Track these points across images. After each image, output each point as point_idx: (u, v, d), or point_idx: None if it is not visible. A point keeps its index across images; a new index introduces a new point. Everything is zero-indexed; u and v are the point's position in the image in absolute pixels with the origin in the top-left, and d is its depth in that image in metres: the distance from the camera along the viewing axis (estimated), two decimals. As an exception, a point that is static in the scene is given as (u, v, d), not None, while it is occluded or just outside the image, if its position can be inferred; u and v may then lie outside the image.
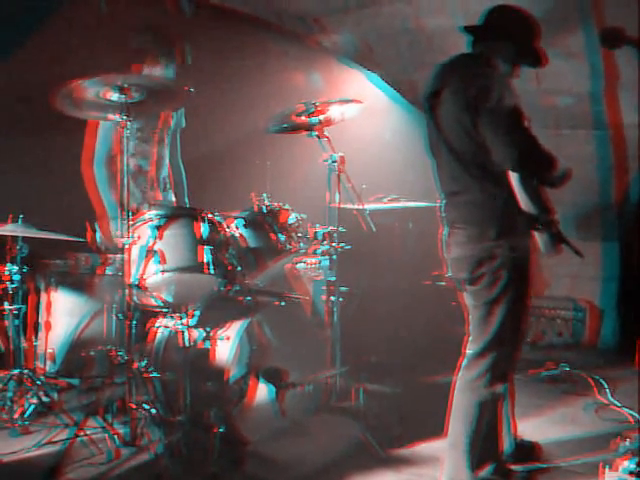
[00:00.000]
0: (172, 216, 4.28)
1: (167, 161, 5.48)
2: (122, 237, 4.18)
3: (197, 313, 4.31)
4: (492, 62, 3.56)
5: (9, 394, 4.49)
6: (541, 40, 3.67)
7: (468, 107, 3.39)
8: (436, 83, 3.59)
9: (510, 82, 3.52)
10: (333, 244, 4.96)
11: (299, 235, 4.84)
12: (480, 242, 3.49)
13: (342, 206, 5.01)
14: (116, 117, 4.34)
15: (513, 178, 3.38)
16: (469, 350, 3.62)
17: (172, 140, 5.53)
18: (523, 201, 3.39)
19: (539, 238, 3.45)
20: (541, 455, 4.00)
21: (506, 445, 3.80)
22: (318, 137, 4.97)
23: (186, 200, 5.58)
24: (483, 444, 3.55)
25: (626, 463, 3.64)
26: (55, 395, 4.62)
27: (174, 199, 5.50)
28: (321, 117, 4.97)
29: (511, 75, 3.65)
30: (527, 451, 3.98)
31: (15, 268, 4.58)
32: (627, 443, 3.92)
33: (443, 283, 6.15)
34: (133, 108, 4.30)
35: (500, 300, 3.48)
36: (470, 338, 3.63)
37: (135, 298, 4.28)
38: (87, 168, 5.09)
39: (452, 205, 3.64)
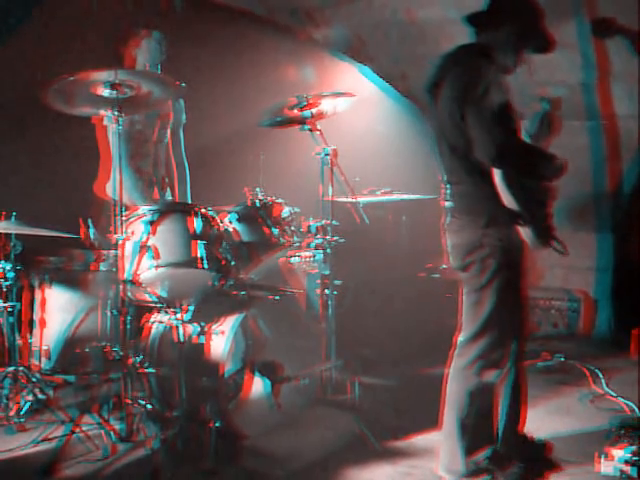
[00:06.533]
0: (165, 211, 4.28)
1: (164, 159, 5.48)
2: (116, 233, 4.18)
3: (191, 308, 4.30)
4: (492, 53, 3.55)
5: (4, 392, 4.48)
6: (545, 24, 3.64)
7: (457, 100, 3.41)
8: (437, 74, 3.60)
9: (502, 77, 3.50)
10: (327, 237, 4.97)
11: (293, 229, 4.85)
12: (471, 230, 3.54)
13: (335, 199, 5.02)
14: (108, 113, 4.33)
15: (495, 173, 3.40)
16: (460, 338, 3.65)
17: (174, 137, 5.53)
18: (504, 197, 3.41)
19: (523, 232, 3.46)
20: (551, 453, 3.90)
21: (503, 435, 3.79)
22: (311, 130, 4.98)
23: (189, 198, 5.58)
24: (477, 432, 3.57)
25: (622, 452, 3.66)
26: (51, 392, 4.61)
27: (171, 198, 5.51)
28: (313, 110, 4.97)
29: (516, 63, 3.63)
30: (539, 450, 3.90)
31: (9, 265, 4.57)
32: (623, 432, 3.94)
33: (437, 275, 6.16)
34: (125, 104, 4.28)
35: (489, 288, 3.51)
36: (463, 326, 3.65)
37: (129, 294, 4.28)
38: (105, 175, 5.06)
39: (451, 195, 3.69)
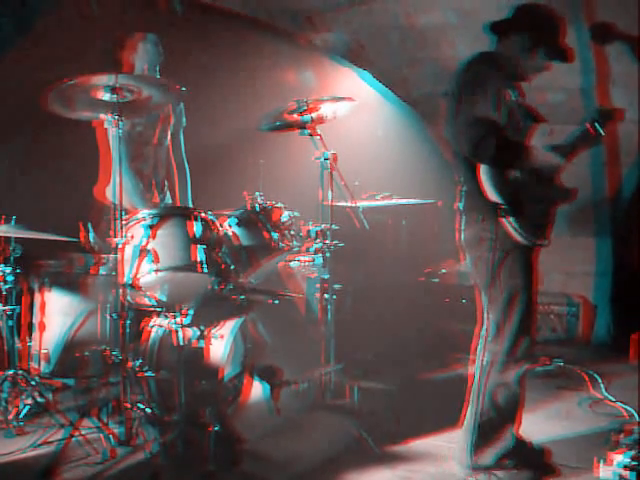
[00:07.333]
0: (165, 215, 4.28)
1: (165, 162, 5.49)
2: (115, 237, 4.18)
3: (191, 312, 4.30)
4: (501, 61, 3.63)
5: (4, 395, 4.47)
6: (565, 33, 3.72)
7: (459, 104, 3.49)
8: (451, 82, 3.65)
9: (508, 83, 3.62)
10: (326, 242, 4.97)
11: (292, 233, 4.85)
12: (473, 226, 3.65)
13: (335, 204, 5.02)
14: (108, 117, 4.33)
15: (481, 169, 3.50)
16: (488, 337, 3.72)
17: (174, 139, 5.54)
18: (487, 190, 3.50)
19: (507, 225, 3.50)
20: (550, 458, 3.91)
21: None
22: (310, 135, 4.97)
23: (189, 200, 5.58)
24: (491, 429, 3.65)
25: (621, 457, 3.66)
26: (50, 395, 4.61)
27: (171, 201, 5.51)
28: (313, 115, 4.97)
29: (535, 71, 3.75)
30: (538, 456, 3.91)
31: (9, 269, 4.57)
32: (621, 437, 3.94)
33: (437, 280, 6.16)
34: (125, 108, 4.29)
35: (495, 283, 3.60)
36: (490, 326, 3.73)
37: (129, 298, 4.27)
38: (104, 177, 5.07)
39: (460, 194, 3.76)
